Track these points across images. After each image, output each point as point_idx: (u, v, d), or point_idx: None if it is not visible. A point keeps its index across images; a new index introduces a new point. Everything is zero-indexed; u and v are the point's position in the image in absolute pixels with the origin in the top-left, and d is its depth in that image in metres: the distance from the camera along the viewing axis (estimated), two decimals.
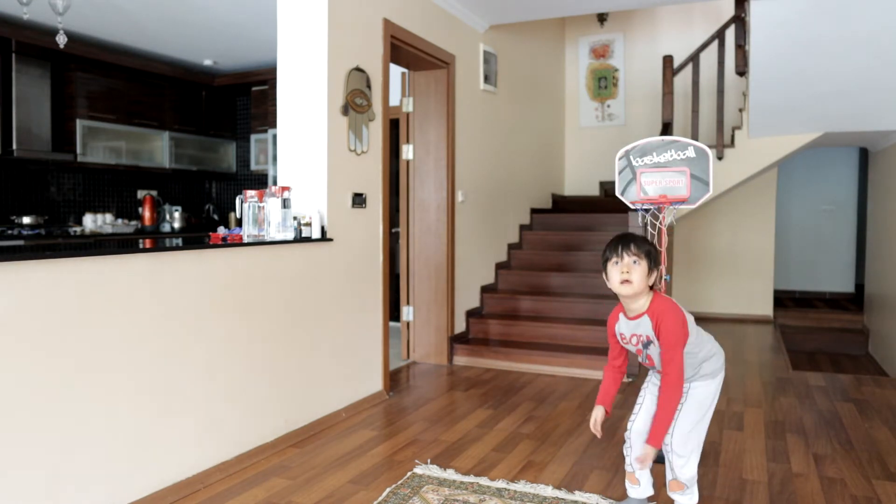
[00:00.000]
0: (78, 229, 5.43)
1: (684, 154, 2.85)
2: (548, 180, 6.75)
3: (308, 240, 3.20)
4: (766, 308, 6.72)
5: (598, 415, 2.25)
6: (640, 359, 2.20)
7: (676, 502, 2.27)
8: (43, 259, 2.06)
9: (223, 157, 6.98)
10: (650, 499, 2.41)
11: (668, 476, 2.28)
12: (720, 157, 5.38)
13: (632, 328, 2.15)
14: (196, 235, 5.92)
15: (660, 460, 2.80)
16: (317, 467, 2.80)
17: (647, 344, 2.12)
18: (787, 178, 7.70)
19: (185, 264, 2.56)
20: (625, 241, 2.10)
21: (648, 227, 2.97)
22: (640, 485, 2.35)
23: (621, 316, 2.19)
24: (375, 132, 3.72)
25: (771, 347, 5.38)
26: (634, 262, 2.06)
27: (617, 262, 2.08)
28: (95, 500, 2.22)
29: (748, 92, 5.11)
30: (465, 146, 4.84)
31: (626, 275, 2.05)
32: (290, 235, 3.10)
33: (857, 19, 4.19)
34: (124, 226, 5.78)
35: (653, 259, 2.09)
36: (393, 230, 5.45)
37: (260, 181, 6.96)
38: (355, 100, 3.52)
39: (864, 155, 7.51)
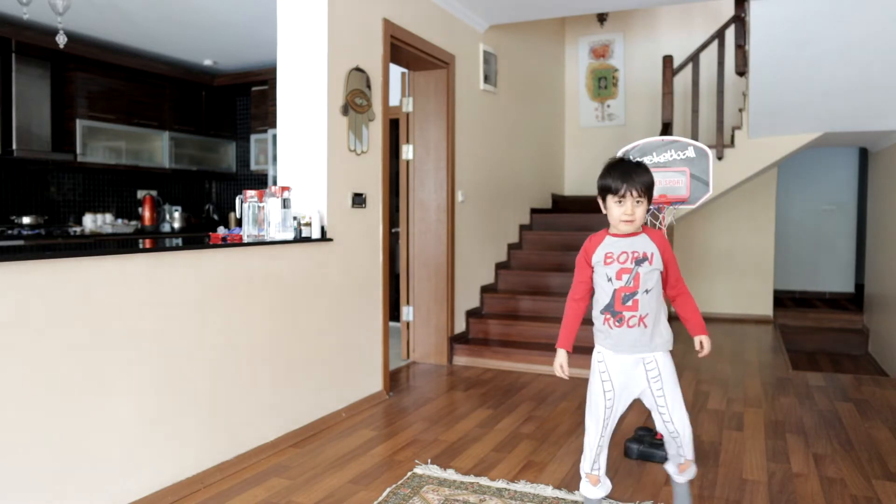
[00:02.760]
0: (78, 229, 5.43)
1: (684, 154, 2.85)
2: (548, 180, 6.75)
3: (308, 240, 3.20)
4: (766, 308, 6.72)
5: (563, 360, 2.23)
6: (615, 284, 2.09)
7: (687, 476, 2.24)
8: (43, 259, 2.06)
9: (223, 157, 6.98)
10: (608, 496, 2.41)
11: (676, 461, 2.24)
12: (720, 157, 5.38)
13: (624, 246, 2.10)
14: (196, 235, 5.91)
15: (657, 458, 2.81)
16: (317, 467, 2.80)
17: (640, 261, 2.07)
18: (787, 178, 7.70)
19: (185, 264, 2.56)
20: (628, 176, 2.04)
21: (649, 223, 2.96)
22: (604, 484, 2.24)
23: (608, 237, 2.14)
24: (375, 132, 3.72)
25: (771, 347, 5.38)
26: (638, 202, 2.04)
27: (620, 202, 2.05)
28: (95, 499, 2.22)
29: (748, 92, 5.11)
30: (465, 146, 4.84)
31: (629, 216, 2.05)
32: (290, 235, 3.10)
33: (857, 19, 4.19)
34: (124, 226, 5.78)
35: (652, 191, 2.09)
36: (393, 230, 5.44)
37: (260, 181, 6.96)
38: (355, 100, 3.52)
39: (864, 155, 7.51)
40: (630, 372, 2.15)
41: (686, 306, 2.20)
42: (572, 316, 2.26)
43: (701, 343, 2.20)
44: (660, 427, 2.21)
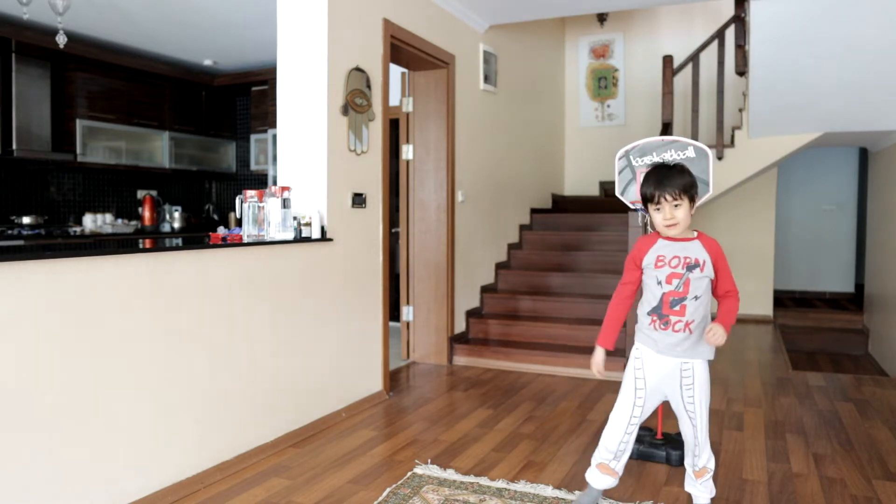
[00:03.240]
0: (78, 229, 5.43)
1: (684, 154, 2.85)
2: (548, 180, 6.75)
3: (308, 240, 3.20)
4: (766, 308, 6.72)
5: (600, 358, 2.26)
6: (664, 287, 2.11)
7: (703, 485, 2.27)
8: (43, 259, 2.06)
9: (223, 157, 6.98)
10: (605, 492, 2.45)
11: (693, 468, 2.28)
12: (720, 157, 5.38)
13: (676, 250, 2.12)
14: (196, 235, 5.91)
15: (657, 458, 2.81)
16: (317, 467, 2.80)
17: (692, 267, 2.09)
18: (787, 178, 7.70)
19: (185, 264, 2.56)
20: (661, 182, 2.07)
21: (648, 228, 2.97)
22: (616, 477, 2.31)
23: (660, 240, 2.16)
24: (375, 132, 3.72)
25: (771, 347, 5.38)
26: (676, 205, 2.07)
27: (658, 209, 2.09)
28: (95, 500, 2.22)
29: (748, 92, 5.11)
30: (465, 146, 4.84)
31: (670, 220, 2.08)
32: (290, 235, 3.10)
33: (857, 19, 4.19)
34: (124, 226, 5.78)
35: (693, 190, 2.09)
36: (393, 230, 5.44)
37: (260, 181, 6.96)
38: (355, 100, 3.52)
39: (864, 155, 7.51)
40: (666, 374, 2.18)
41: (724, 306, 2.18)
42: (616, 316, 2.26)
43: (711, 328, 2.13)
44: (685, 431, 2.24)
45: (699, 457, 2.25)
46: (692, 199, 2.09)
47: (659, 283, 2.12)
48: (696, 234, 2.16)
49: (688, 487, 2.33)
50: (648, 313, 2.16)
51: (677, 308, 2.10)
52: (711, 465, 2.27)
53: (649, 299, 2.16)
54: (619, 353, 4.07)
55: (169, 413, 2.49)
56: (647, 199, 2.12)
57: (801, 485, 2.62)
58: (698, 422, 2.19)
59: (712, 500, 2.34)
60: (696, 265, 2.09)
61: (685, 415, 2.21)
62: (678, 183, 2.06)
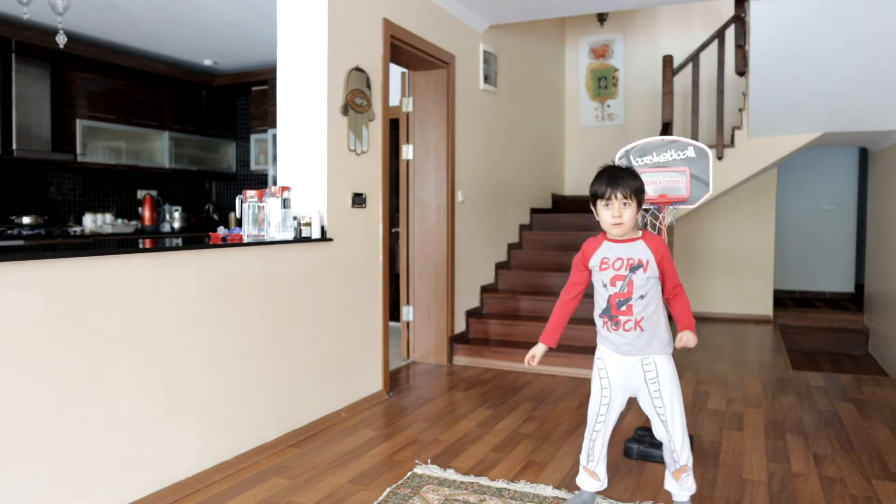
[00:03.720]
0: (78, 229, 5.43)
1: (684, 154, 2.85)
2: (548, 180, 6.75)
3: (308, 240, 3.20)
4: (766, 308, 6.71)
5: (537, 351, 2.32)
6: (610, 289, 2.16)
7: (683, 484, 2.28)
8: (43, 259, 2.06)
9: (223, 157, 6.98)
10: (602, 492, 2.47)
11: (671, 468, 2.29)
12: (720, 157, 5.38)
13: (620, 252, 2.16)
14: (196, 235, 5.92)
15: (656, 458, 2.81)
16: (317, 467, 2.80)
17: (634, 268, 2.12)
18: (787, 178, 7.70)
19: (185, 264, 2.56)
20: (613, 181, 2.11)
21: (648, 227, 2.97)
22: (599, 479, 2.36)
23: (605, 242, 2.20)
24: (375, 132, 3.72)
25: (771, 347, 5.38)
26: (625, 204, 2.11)
27: (608, 205, 2.13)
28: (95, 500, 2.22)
29: (748, 92, 5.11)
30: (465, 146, 4.84)
31: (617, 218, 2.11)
32: (290, 235, 3.10)
33: (857, 19, 4.19)
34: (124, 226, 5.78)
35: (642, 195, 2.15)
36: (393, 230, 5.44)
37: (260, 181, 6.96)
38: (355, 100, 3.52)
39: (864, 155, 7.51)
40: (628, 372, 2.21)
41: (678, 306, 2.23)
42: (560, 314, 2.34)
43: (681, 337, 2.21)
44: (657, 430, 2.25)
45: (678, 453, 2.24)
46: (640, 204, 2.15)
47: (605, 285, 2.17)
48: (640, 233, 2.19)
49: (667, 486, 2.34)
50: (600, 315, 2.22)
51: (624, 308, 2.15)
52: (690, 462, 2.27)
53: (599, 302, 2.22)
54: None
55: (169, 413, 2.49)
56: (597, 196, 2.15)
57: (801, 485, 2.62)
58: (668, 417, 2.20)
59: (692, 497, 2.34)
60: (640, 266, 2.12)
61: (654, 412, 2.22)
62: (630, 184, 2.11)
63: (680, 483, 2.28)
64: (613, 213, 2.11)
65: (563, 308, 2.33)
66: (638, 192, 2.12)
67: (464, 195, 4.82)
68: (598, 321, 2.23)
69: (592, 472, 2.34)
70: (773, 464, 2.83)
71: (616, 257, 2.15)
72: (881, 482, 2.64)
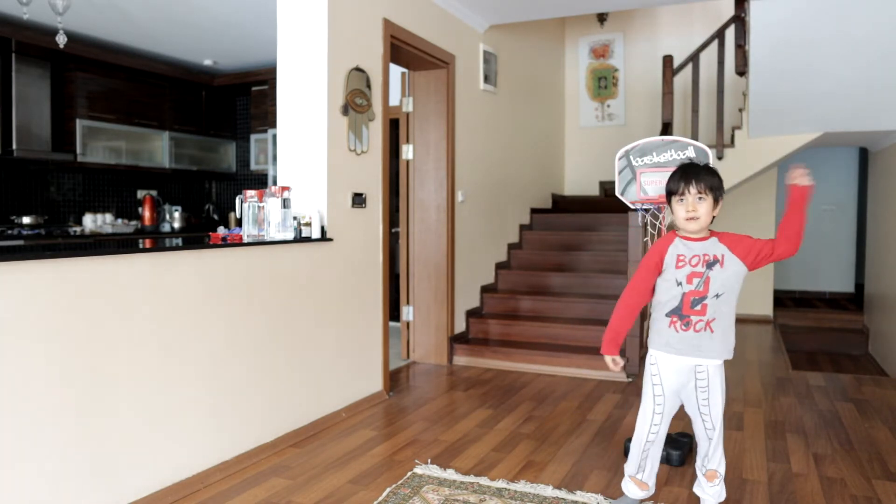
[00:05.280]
0: (78, 229, 5.43)
1: (684, 154, 2.85)
2: (548, 180, 6.75)
3: (308, 240, 3.20)
4: (766, 308, 6.71)
5: (614, 359, 2.25)
6: (685, 287, 2.10)
7: (712, 492, 2.25)
8: (43, 259, 2.06)
9: (223, 157, 6.98)
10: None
11: (704, 468, 2.26)
12: (720, 157, 5.38)
13: (695, 249, 2.11)
14: (196, 235, 5.92)
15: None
16: (317, 467, 2.80)
17: (711, 264, 2.08)
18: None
19: (185, 264, 2.56)
20: (688, 174, 2.08)
21: (648, 227, 2.97)
22: (648, 489, 2.34)
23: (677, 239, 2.15)
24: (375, 132, 3.72)
25: (771, 347, 5.38)
26: (700, 198, 2.07)
27: (682, 199, 2.09)
28: (95, 499, 2.22)
29: (748, 92, 5.11)
30: (465, 146, 4.84)
31: (692, 212, 2.07)
32: (290, 235, 3.10)
33: (857, 19, 4.19)
34: (124, 226, 5.78)
35: (719, 192, 2.09)
36: (393, 230, 5.44)
37: (260, 181, 6.96)
38: (355, 100, 3.52)
39: (864, 155, 7.51)
40: (681, 375, 2.17)
41: (785, 220, 2.15)
42: (626, 317, 2.23)
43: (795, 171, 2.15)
44: (698, 433, 2.23)
45: (710, 458, 2.23)
46: (716, 201, 2.10)
47: (679, 283, 2.11)
48: (711, 231, 2.17)
49: (696, 489, 2.32)
50: (668, 314, 2.14)
51: (698, 307, 2.09)
52: (722, 468, 2.25)
53: (668, 301, 2.14)
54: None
55: (169, 413, 2.49)
56: (671, 192, 2.12)
57: (801, 485, 2.62)
58: (712, 423, 2.18)
59: None
60: (716, 261, 2.08)
61: (699, 417, 2.20)
62: (706, 179, 2.08)
63: (710, 488, 2.25)
64: (688, 207, 2.07)
65: (628, 312, 2.23)
66: (714, 189, 2.08)
67: (464, 195, 4.82)
68: (663, 321, 2.15)
69: (642, 482, 2.32)
70: (773, 464, 2.83)
71: (692, 254, 2.11)
72: (881, 482, 2.64)
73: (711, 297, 2.08)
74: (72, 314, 2.14)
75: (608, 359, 2.24)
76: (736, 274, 2.10)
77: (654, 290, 2.21)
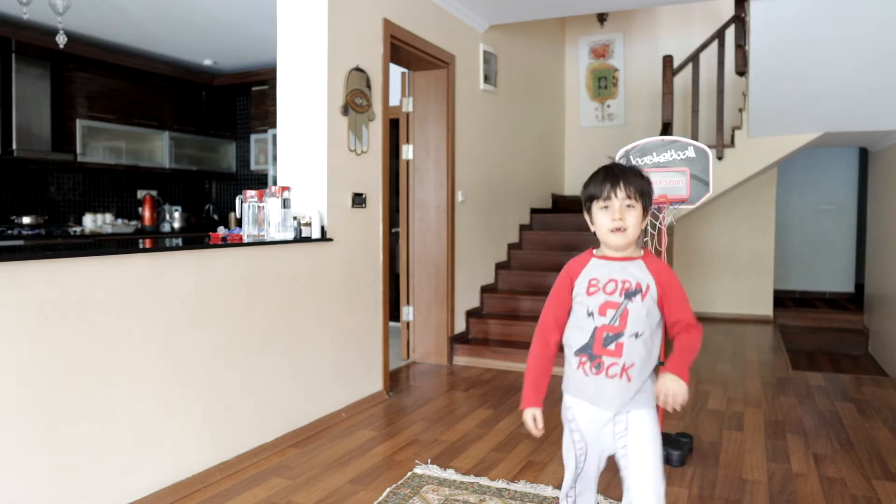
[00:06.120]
0: (78, 229, 5.43)
1: (684, 154, 2.85)
2: (548, 180, 6.75)
3: (308, 240, 3.20)
4: (766, 308, 6.71)
5: (536, 414, 1.71)
6: (597, 320, 1.62)
7: None
8: (43, 259, 2.06)
9: (223, 157, 6.98)
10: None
11: None
12: (720, 157, 5.38)
13: (614, 271, 1.63)
14: (196, 235, 5.92)
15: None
16: (317, 467, 2.80)
17: (631, 294, 1.60)
18: (787, 178, 7.70)
19: (185, 264, 2.56)
20: (614, 175, 1.62)
21: (648, 227, 2.97)
22: None
23: (593, 259, 1.68)
24: (375, 132, 3.72)
25: (771, 347, 5.38)
26: (629, 206, 1.61)
27: (606, 206, 1.62)
28: (96, 499, 2.22)
29: (748, 92, 5.11)
30: (465, 146, 4.84)
31: (618, 221, 1.60)
32: (290, 235, 3.10)
33: (857, 19, 4.19)
34: (124, 226, 5.78)
35: (649, 199, 1.65)
36: (393, 230, 5.44)
37: (260, 181, 6.96)
38: (355, 100, 3.52)
39: (864, 155, 7.51)
40: (600, 427, 1.68)
41: (682, 341, 1.65)
42: (543, 359, 1.74)
43: (663, 383, 1.60)
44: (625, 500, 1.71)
45: None
46: (646, 210, 1.64)
47: (590, 314, 1.63)
48: (642, 252, 1.68)
49: None
50: (576, 353, 1.66)
51: (612, 347, 1.60)
52: None
53: (578, 335, 1.65)
54: None
55: (169, 413, 2.49)
56: (593, 197, 1.64)
57: (801, 485, 2.62)
58: (634, 483, 1.64)
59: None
60: (637, 291, 1.61)
61: (623, 472, 1.70)
62: (636, 182, 1.62)
63: None
64: (613, 215, 1.60)
65: (544, 360, 1.74)
66: (644, 195, 1.63)
67: (464, 195, 4.82)
68: (572, 360, 1.67)
69: None
70: (773, 464, 2.83)
71: (608, 278, 1.63)
72: (881, 482, 2.64)
73: (629, 335, 1.59)
74: (72, 314, 2.14)
75: (528, 415, 1.71)
76: (650, 312, 1.61)
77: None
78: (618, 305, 1.61)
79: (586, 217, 1.70)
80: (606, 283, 1.63)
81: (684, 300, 1.66)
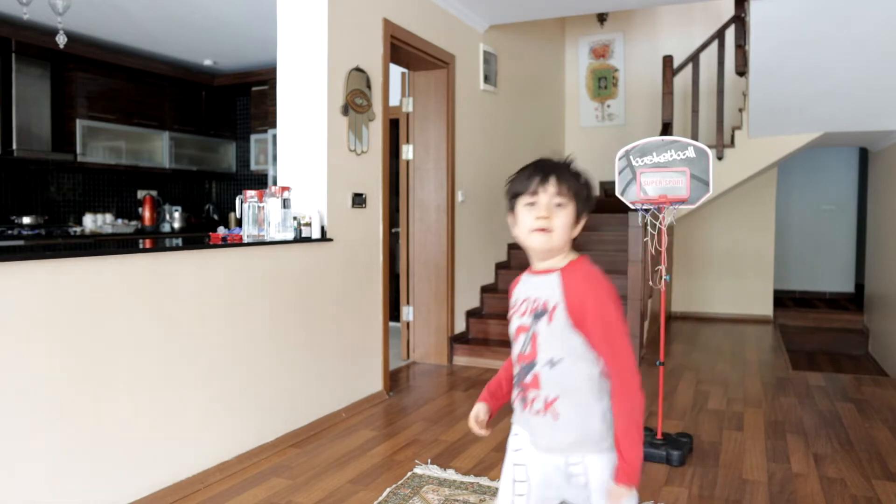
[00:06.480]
0: (78, 229, 5.43)
1: (684, 154, 2.85)
2: None
3: (308, 240, 3.20)
4: (766, 308, 6.71)
5: (479, 410, 1.50)
6: (515, 347, 1.40)
7: None
8: (43, 259, 2.06)
9: (223, 157, 6.98)
10: None
11: None
12: (720, 157, 5.38)
13: (529, 289, 1.40)
14: (196, 235, 5.92)
15: (656, 458, 2.80)
16: (317, 467, 2.80)
17: (539, 314, 1.34)
18: (787, 178, 7.70)
19: (185, 264, 2.56)
20: (544, 169, 1.35)
21: (648, 227, 2.97)
22: None
23: (524, 275, 1.45)
24: (375, 132, 3.72)
25: (771, 347, 5.38)
26: (557, 203, 1.34)
27: (532, 203, 1.35)
28: (95, 499, 2.22)
29: (748, 92, 5.11)
30: (465, 146, 4.84)
31: (542, 221, 1.33)
32: (290, 235, 3.10)
33: (857, 19, 4.19)
34: (124, 226, 5.78)
35: (583, 201, 1.36)
36: (393, 230, 5.44)
37: (260, 181, 6.96)
38: (355, 100, 3.52)
39: (864, 155, 7.51)
40: (550, 473, 1.38)
41: (615, 412, 1.32)
42: (505, 373, 1.53)
43: (609, 493, 1.31)
44: None
45: None
46: (579, 214, 1.36)
47: (512, 339, 1.43)
48: (565, 262, 1.37)
49: None
50: (514, 383, 1.43)
51: (528, 378, 1.37)
52: None
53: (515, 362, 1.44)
54: None
55: (169, 413, 2.49)
56: (518, 193, 1.37)
57: (801, 485, 2.62)
58: None
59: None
60: (544, 312, 1.34)
61: None
62: (568, 179, 1.35)
63: None
64: (539, 212, 1.33)
65: (506, 365, 1.53)
66: (579, 196, 1.35)
67: (464, 195, 4.82)
68: (514, 391, 1.44)
69: None
70: (773, 464, 2.83)
71: (524, 297, 1.40)
72: (881, 482, 2.64)
73: (542, 363, 1.34)
74: (71, 314, 2.14)
75: (472, 410, 1.50)
76: (563, 331, 1.32)
77: None
78: (528, 329, 1.37)
79: (509, 219, 1.41)
80: (522, 304, 1.40)
81: (609, 331, 1.30)
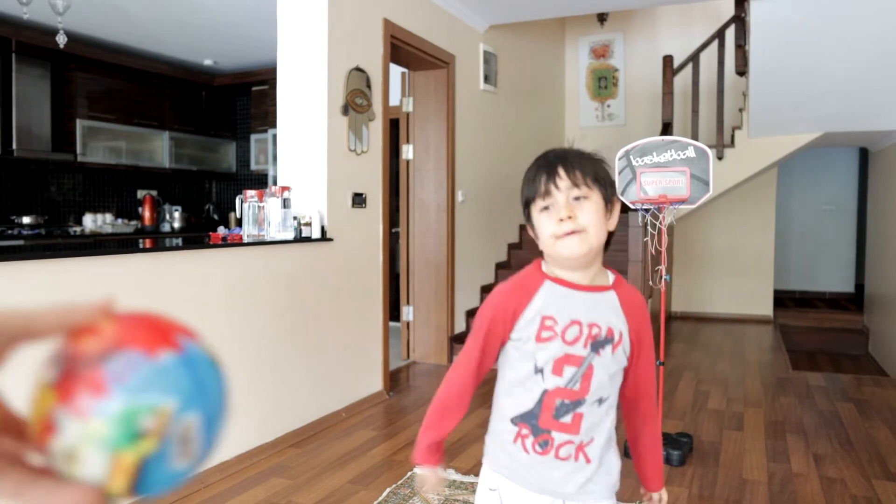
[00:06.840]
0: (78, 229, 5.43)
1: (684, 154, 2.85)
2: None
3: (308, 240, 3.20)
4: (766, 308, 6.71)
5: (433, 480, 1.21)
6: (549, 381, 1.10)
7: None
8: (43, 259, 2.06)
9: (223, 157, 6.98)
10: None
11: None
12: (720, 157, 5.38)
13: (578, 307, 1.10)
14: (196, 235, 5.91)
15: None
16: (317, 467, 2.80)
17: (600, 343, 1.09)
18: (787, 178, 7.70)
19: (185, 264, 2.56)
20: (548, 164, 1.12)
21: (648, 227, 2.97)
22: None
23: (547, 283, 1.13)
24: (375, 132, 3.72)
25: (771, 347, 5.38)
26: (576, 196, 1.08)
27: (547, 206, 1.10)
28: None
29: (748, 92, 5.11)
30: (465, 146, 4.84)
31: (568, 223, 1.07)
32: (290, 235, 3.10)
33: (857, 19, 4.19)
34: (124, 226, 5.78)
35: (606, 185, 1.12)
36: (393, 230, 5.44)
37: (260, 181, 6.96)
38: (355, 100, 3.52)
39: (864, 155, 7.51)
40: None
41: (645, 434, 1.25)
42: (446, 426, 1.24)
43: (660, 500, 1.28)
44: None
45: None
46: (608, 201, 1.12)
47: (539, 370, 1.11)
48: (611, 277, 1.18)
49: None
50: (515, 421, 1.17)
51: (567, 419, 1.11)
52: None
53: (520, 398, 1.16)
54: None
55: None
56: (529, 200, 1.13)
57: (801, 485, 2.62)
58: None
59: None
60: (609, 340, 1.10)
61: None
62: (580, 164, 1.11)
63: None
64: (560, 212, 1.07)
65: (450, 421, 1.26)
66: (599, 179, 1.11)
67: (464, 195, 4.82)
68: (508, 431, 1.18)
69: None
70: (773, 464, 2.83)
71: (571, 319, 1.10)
72: (881, 482, 2.64)
73: (591, 402, 1.11)
74: None
75: (422, 473, 1.21)
76: (620, 364, 1.13)
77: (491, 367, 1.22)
78: (580, 361, 1.09)
79: (529, 231, 1.17)
80: (568, 327, 1.09)
81: (652, 363, 1.18)
